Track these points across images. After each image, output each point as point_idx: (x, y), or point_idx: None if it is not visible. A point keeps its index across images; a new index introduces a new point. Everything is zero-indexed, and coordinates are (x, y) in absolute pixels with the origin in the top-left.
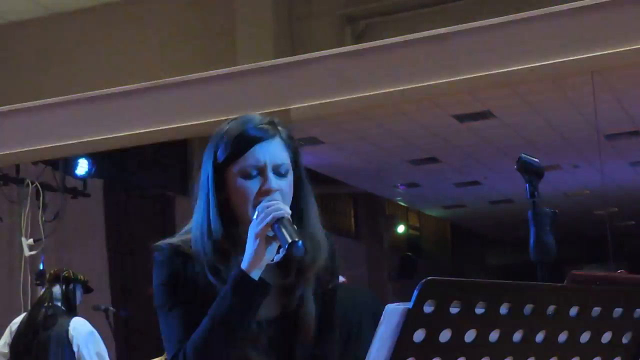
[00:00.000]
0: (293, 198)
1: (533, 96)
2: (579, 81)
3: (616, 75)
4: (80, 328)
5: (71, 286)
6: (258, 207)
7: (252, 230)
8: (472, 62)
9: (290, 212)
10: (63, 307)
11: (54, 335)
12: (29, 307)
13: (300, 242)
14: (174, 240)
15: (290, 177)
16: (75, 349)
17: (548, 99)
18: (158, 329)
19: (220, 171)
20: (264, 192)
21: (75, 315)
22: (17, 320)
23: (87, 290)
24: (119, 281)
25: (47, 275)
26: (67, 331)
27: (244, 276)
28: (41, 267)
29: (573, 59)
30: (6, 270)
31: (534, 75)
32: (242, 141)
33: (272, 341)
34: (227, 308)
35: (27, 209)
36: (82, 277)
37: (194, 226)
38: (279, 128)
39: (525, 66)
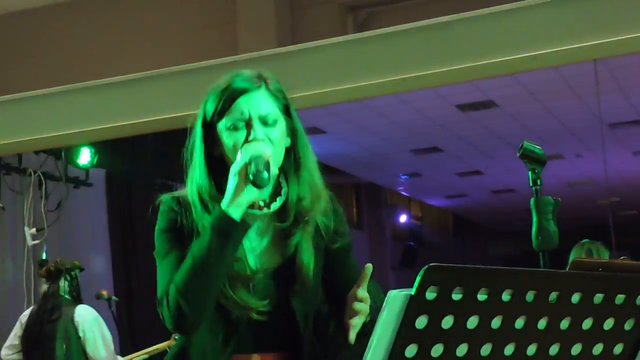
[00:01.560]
0: (290, 147)
1: (535, 85)
2: (582, 70)
3: (619, 63)
4: (84, 314)
5: (74, 274)
6: (241, 147)
7: (232, 168)
8: (474, 51)
9: (269, 151)
10: (69, 297)
11: (61, 325)
12: (32, 296)
13: (265, 173)
14: (176, 192)
15: (280, 126)
16: (81, 334)
17: (551, 87)
18: (161, 317)
19: (211, 127)
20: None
21: (81, 302)
22: (27, 313)
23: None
24: (122, 270)
25: (47, 271)
26: (72, 319)
27: (222, 214)
28: (44, 257)
29: (576, 47)
30: (10, 259)
31: (536, 64)
32: (227, 95)
33: (270, 290)
34: (205, 245)
35: (30, 198)
36: (77, 263)
37: (188, 182)
38: (267, 80)
39: (528, 54)
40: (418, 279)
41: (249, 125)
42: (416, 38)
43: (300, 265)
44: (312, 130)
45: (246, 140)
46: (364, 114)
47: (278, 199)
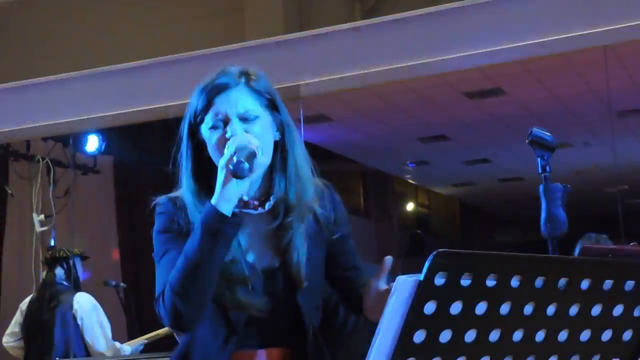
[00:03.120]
0: (279, 142)
1: (544, 72)
2: (590, 57)
3: (629, 50)
4: (83, 302)
5: (71, 262)
6: (229, 140)
7: (220, 162)
8: (483, 38)
9: (257, 143)
10: (67, 284)
11: (59, 312)
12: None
13: (246, 164)
14: (173, 194)
15: (262, 121)
16: (79, 322)
17: (559, 75)
18: (159, 316)
19: (197, 128)
20: (227, 140)
21: (80, 290)
22: (27, 300)
23: (83, 259)
24: (129, 257)
25: (45, 259)
26: (71, 306)
27: (212, 210)
28: (52, 243)
29: (585, 34)
30: (18, 245)
31: (545, 51)
32: (205, 96)
33: (270, 288)
34: (196, 243)
35: (38, 185)
36: (76, 250)
37: (181, 184)
38: (251, 76)
39: (536, 41)
40: (427, 264)
41: (226, 123)
42: (423, 25)
43: (292, 263)
44: (319, 118)
45: (222, 138)
46: (371, 101)
47: (272, 197)
